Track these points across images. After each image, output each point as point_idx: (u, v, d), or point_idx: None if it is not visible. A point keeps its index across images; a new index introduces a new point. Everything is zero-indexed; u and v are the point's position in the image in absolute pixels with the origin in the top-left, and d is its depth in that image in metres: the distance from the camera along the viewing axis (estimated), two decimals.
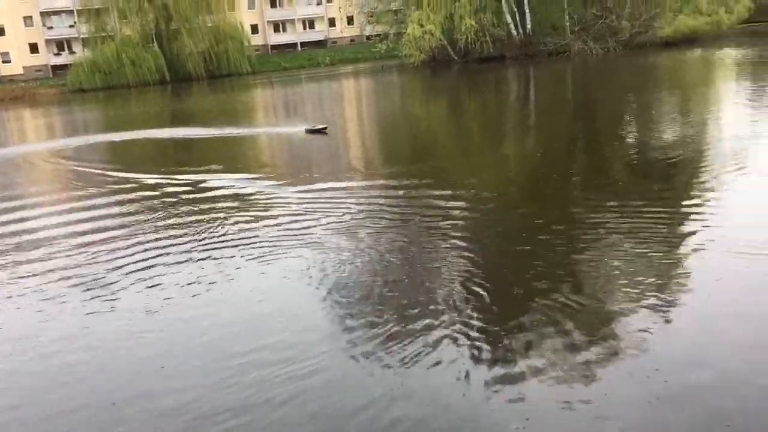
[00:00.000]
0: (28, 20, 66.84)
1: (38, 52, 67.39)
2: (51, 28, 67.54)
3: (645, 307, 5.28)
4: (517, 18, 43.25)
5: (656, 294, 5.50)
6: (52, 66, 67.02)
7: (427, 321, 5.38)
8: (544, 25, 43.28)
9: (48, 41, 67.63)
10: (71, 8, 65.39)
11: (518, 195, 9.92)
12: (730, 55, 31.03)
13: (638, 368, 4.36)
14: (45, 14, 67.33)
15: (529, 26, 43.35)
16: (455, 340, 5.01)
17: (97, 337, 5.81)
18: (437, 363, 4.69)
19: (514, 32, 43.39)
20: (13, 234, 9.64)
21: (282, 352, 5.13)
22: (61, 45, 68.12)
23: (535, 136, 15.73)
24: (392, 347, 4.99)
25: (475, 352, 4.81)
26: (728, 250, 6.29)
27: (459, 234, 7.76)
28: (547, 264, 6.50)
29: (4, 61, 66.41)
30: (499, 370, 4.52)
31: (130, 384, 4.92)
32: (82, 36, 65.05)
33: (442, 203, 9.25)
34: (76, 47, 66.67)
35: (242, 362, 5.07)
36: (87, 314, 6.31)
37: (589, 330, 5.00)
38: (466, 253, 7.01)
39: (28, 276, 7.56)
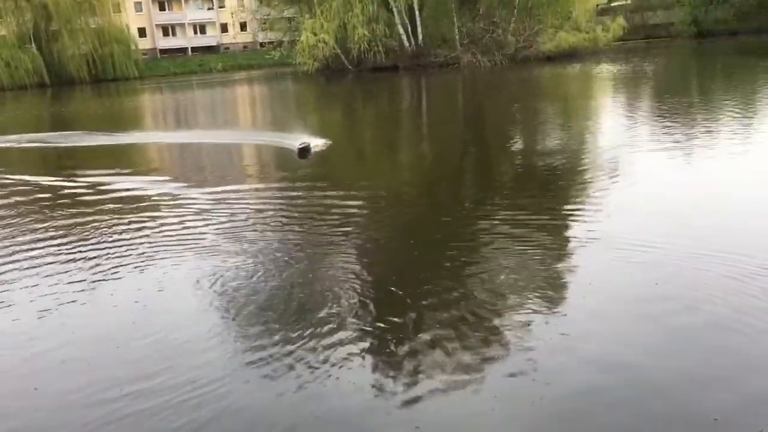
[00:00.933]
0: None
1: None
2: None
3: (525, 305, 5.50)
4: (409, 29, 44.20)
5: (535, 293, 5.74)
6: None
7: (324, 329, 5.28)
8: (435, 37, 44.51)
9: None
10: None
11: (410, 196, 10.15)
12: (607, 69, 33.05)
13: (521, 370, 4.49)
14: None
15: (420, 38, 44.41)
16: (359, 351, 4.96)
17: None
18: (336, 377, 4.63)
19: (406, 43, 44.32)
20: None
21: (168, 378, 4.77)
22: None
23: (427, 142, 16.14)
24: (294, 363, 4.79)
25: (372, 361, 4.82)
26: (604, 248, 6.69)
27: (355, 232, 7.86)
28: (435, 260, 6.69)
29: None
30: (395, 378, 4.56)
31: None
32: None
33: (337, 203, 9.32)
34: None
35: (122, 393, 4.45)
36: None
37: (477, 332, 5.15)
38: (363, 252, 7.11)
39: None
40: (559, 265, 6.43)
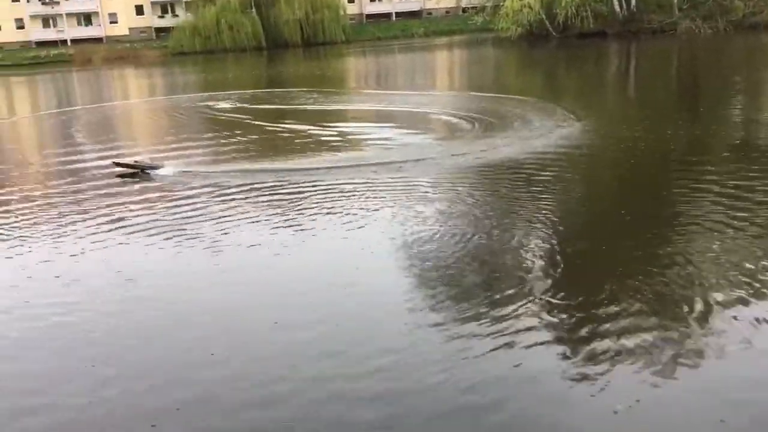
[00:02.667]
0: None
1: (143, 14, 69.91)
2: None
3: (735, 299, 4.99)
4: None
5: (747, 285, 5.17)
6: (155, 28, 69.40)
7: (507, 297, 5.24)
8: (649, 2, 41.37)
9: (153, 4, 70.03)
10: None
11: (613, 172, 9.60)
12: None
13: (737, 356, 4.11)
14: None
15: (633, 2, 41.54)
16: (540, 320, 4.86)
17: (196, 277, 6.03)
18: (524, 346, 4.55)
19: (617, 8, 41.69)
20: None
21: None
22: (165, 8, 70.43)
23: (637, 114, 15.12)
24: (478, 332, 4.79)
25: (563, 334, 4.66)
26: None
27: (547, 195, 7.63)
28: (638, 241, 6.28)
29: (111, 22, 69.28)
30: (589, 355, 4.38)
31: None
32: (185, 0, 67.06)
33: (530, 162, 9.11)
34: (179, 10, 68.79)
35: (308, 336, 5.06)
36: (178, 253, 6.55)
37: (679, 317, 4.77)
38: (553, 217, 6.90)
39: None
40: None
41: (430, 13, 74.44)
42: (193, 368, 4.46)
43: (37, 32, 67.61)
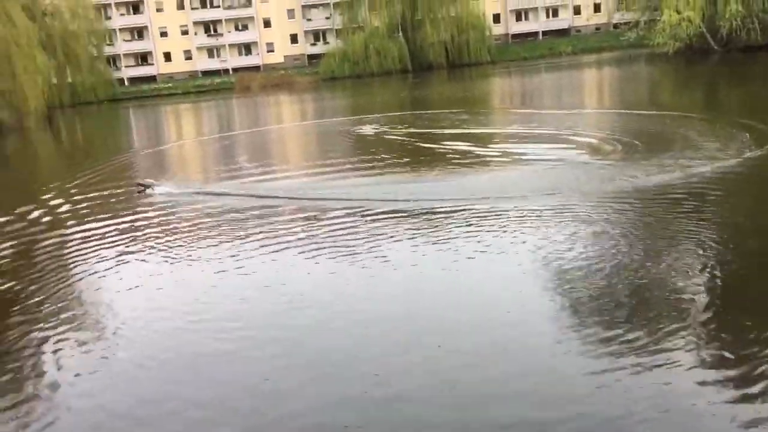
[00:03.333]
0: (290, 13, 73.35)
1: (297, 43, 73.71)
2: (310, 20, 73.44)
3: None
4: None
5: None
6: (308, 55, 72.91)
7: (662, 323, 4.88)
8: None
9: (306, 32, 73.66)
10: (328, 1, 70.50)
11: None
12: None
13: None
14: (305, 7, 73.35)
15: None
16: (696, 345, 4.48)
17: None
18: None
19: None
20: None
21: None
22: (317, 36, 73.84)
23: None
24: (628, 357, 4.52)
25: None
26: None
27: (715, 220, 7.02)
28: None
29: (268, 51, 73.63)
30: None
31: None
32: (335, 27, 69.95)
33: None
34: (330, 38, 71.84)
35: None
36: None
37: None
38: (713, 246, 6.32)
39: None
40: None
41: (578, 31, 72.46)
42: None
43: (203, 62, 73.20)
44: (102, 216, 10.69)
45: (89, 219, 10.62)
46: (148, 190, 12.15)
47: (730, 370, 4.30)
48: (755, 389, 4.07)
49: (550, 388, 4.28)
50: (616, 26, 62.03)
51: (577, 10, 72.42)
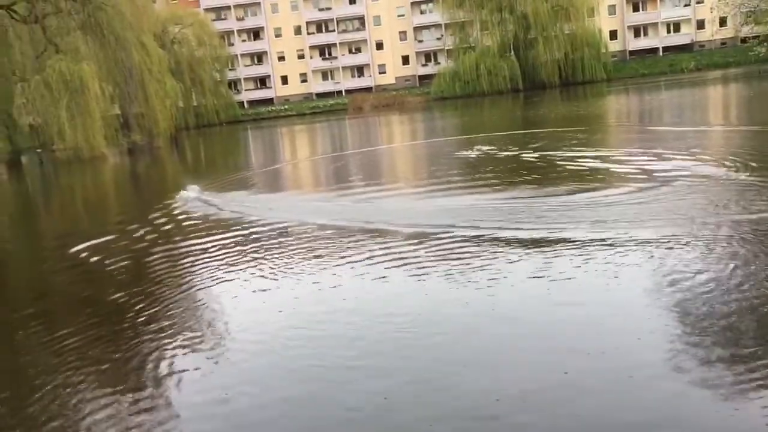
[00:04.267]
0: (402, 35, 74.58)
1: (408, 64, 74.77)
2: (421, 41, 74.40)
3: None
4: None
5: None
6: (419, 76, 73.73)
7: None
8: None
9: (417, 53, 74.62)
10: (440, 22, 71.08)
11: None
12: None
13: None
14: (417, 29, 74.37)
15: None
16: None
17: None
18: None
19: None
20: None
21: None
22: (428, 57, 74.62)
23: None
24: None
25: None
26: None
27: None
28: None
29: (380, 72, 75.10)
30: None
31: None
32: (446, 48, 70.40)
33: None
34: (441, 58, 72.40)
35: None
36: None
37: None
38: None
39: None
40: None
41: (702, 46, 69.14)
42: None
43: (317, 85, 75.71)
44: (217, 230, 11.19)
45: (213, 231, 11.14)
46: None
47: None
48: None
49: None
50: (744, 40, 58.63)
51: (700, 25, 69.23)
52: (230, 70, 72.91)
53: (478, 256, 7.94)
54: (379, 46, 74.61)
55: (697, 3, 69.58)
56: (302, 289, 7.53)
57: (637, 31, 72.37)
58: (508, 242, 8.44)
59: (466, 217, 10.03)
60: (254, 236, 10.60)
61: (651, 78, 58.41)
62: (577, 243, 8.00)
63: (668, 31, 71.59)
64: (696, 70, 60.94)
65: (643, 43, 71.79)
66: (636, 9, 72.16)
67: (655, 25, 71.60)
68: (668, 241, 7.66)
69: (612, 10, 71.08)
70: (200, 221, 12.42)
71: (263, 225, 11.45)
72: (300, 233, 10.62)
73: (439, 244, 8.70)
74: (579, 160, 15.04)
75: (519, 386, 4.68)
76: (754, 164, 12.15)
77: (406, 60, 74.68)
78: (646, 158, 14.38)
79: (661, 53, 70.18)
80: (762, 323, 5.28)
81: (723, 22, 63.17)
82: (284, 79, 76.29)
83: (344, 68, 75.11)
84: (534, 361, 5.08)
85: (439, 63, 71.95)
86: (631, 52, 71.41)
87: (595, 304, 6.12)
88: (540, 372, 4.86)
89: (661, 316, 5.63)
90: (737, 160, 12.85)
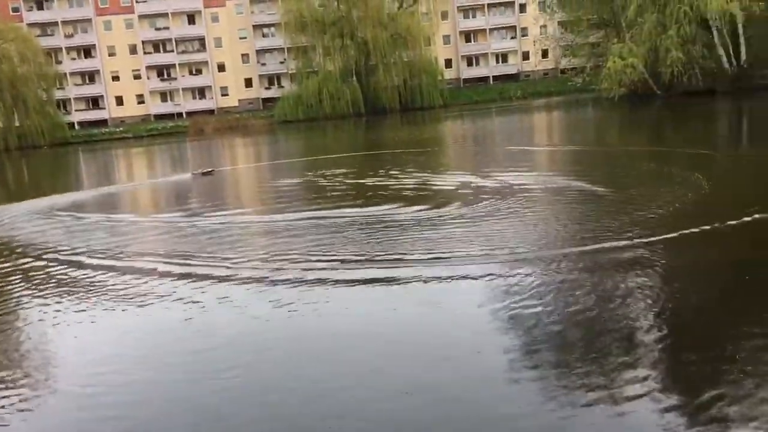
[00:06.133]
0: (245, 58, 73.78)
1: (251, 87, 74.00)
2: (264, 64, 73.94)
3: None
4: (730, 49, 39.94)
5: None
6: (262, 99, 73.18)
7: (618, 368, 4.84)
8: (762, 58, 39.58)
9: (261, 76, 74.07)
10: (282, 46, 71.11)
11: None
12: None
13: None
14: (260, 52, 73.87)
15: (744, 58, 39.87)
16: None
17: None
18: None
19: (726, 65, 40.13)
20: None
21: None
22: (271, 80, 74.31)
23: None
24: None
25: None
26: None
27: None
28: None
29: (222, 95, 73.70)
30: None
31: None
32: (290, 72, 70.50)
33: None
34: (284, 82, 72.38)
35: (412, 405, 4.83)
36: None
37: None
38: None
39: None
40: None
41: (527, 76, 74.63)
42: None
43: (156, 106, 72.78)
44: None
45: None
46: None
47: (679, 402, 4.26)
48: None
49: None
50: (563, 71, 64.05)
51: (525, 56, 74.75)
52: (59, 89, 68.17)
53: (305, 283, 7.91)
54: (221, 68, 73.26)
55: (522, 36, 75.16)
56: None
57: (470, 60, 76.80)
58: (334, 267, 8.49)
59: (305, 237, 10.02)
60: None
61: (483, 104, 62.11)
62: (411, 263, 8.18)
63: (497, 61, 76.64)
64: (523, 98, 65.62)
65: (475, 72, 76.26)
66: (468, 40, 76.60)
67: (485, 55, 76.37)
68: (491, 261, 8.04)
69: (447, 40, 74.93)
70: None
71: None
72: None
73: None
74: (413, 180, 15.54)
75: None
76: (573, 177, 13.22)
77: (249, 83, 73.87)
78: (476, 177, 15.13)
79: (491, 81, 74.89)
80: (584, 336, 5.66)
81: (545, 54, 68.71)
82: (119, 100, 72.58)
83: (185, 90, 72.84)
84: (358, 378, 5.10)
85: (282, 86, 71.88)
86: (465, 80, 75.55)
87: (427, 325, 6.28)
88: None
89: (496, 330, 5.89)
90: (565, 175, 13.90)
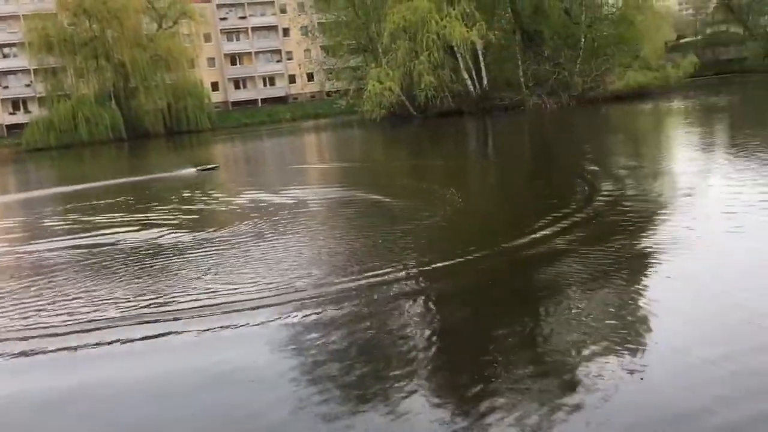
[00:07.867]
0: None
1: None
2: (6, 87, 67.01)
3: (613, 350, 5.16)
4: (473, 74, 44.23)
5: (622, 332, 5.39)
6: (6, 125, 66.17)
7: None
8: (500, 81, 44.39)
9: (3, 100, 66.95)
10: (28, 68, 64.93)
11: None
12: (679, 106, 32.17)
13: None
14: (2, 74, 66.84)
15: (485, 82, 44.37)
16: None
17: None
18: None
19: (471, 88, 44.34)
20: None
21: None
22: (16, 104, 67.47)
23: (492, 175, 15.87)
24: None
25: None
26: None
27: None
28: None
29: None
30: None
31: None
32: (38, 95, 64.57)
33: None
34: (32, 106, 66.11)
35: None
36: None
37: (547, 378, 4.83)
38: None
39: None
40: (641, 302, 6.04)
41: (296, 98, 76.07)
42: None
43: None
44: None
45: None
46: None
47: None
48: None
49: None
50: (329, 94, 66.14)
51: (292, 79, 76.15)
52: None
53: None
54: None
55: (288, 60, 76.43)
56: None
57: (237, 83, 76.37)
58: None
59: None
60: None
61: (253, 127, 61.98)
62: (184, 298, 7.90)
63: (265, 84, 77.13)
64: (292, 120, 66.64)
65: (243, 94, 75.97)
66: (234, 63, 76.16)
67: (252, 78, 76.46)
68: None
69: (212, 62, 73.78)
70: None
71: None
72: None
73: None
74: (197, 202, 15.09)
75: None
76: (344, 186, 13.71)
77: None
78: (244, 200, 15.09)
79: (260, 104, 75.07)
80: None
81: (311, 77, 70.45)
82: None
83: None
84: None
85: (30, 111, 65.45)
86: (234, 103, 74.90)
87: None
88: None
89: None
90: (346, 186, 14.33)
